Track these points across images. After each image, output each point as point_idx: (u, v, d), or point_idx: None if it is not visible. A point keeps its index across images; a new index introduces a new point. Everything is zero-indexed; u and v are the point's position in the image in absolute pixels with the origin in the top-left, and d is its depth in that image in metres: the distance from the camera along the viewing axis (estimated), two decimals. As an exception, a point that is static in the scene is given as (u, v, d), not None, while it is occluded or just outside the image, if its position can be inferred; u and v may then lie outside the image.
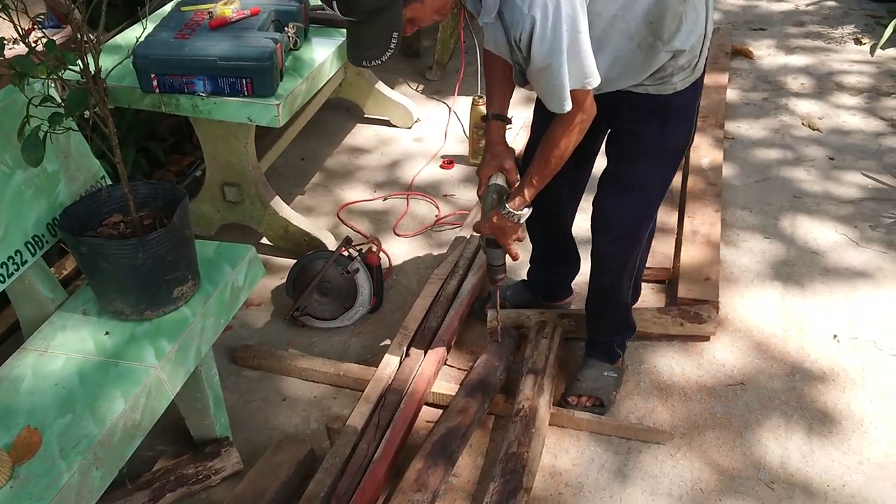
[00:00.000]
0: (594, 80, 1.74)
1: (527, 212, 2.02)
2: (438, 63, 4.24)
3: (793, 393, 2.35)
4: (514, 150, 2.13)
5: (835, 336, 2.55)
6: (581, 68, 1.70)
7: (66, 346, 1.79)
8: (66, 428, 1.58)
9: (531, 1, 1.61)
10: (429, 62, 4.27)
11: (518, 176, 2.09)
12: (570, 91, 1.73)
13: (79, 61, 1.63)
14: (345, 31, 1.84)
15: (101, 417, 1.60)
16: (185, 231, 1.83)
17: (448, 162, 3.52)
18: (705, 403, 2.32)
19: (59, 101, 1.71)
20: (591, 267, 2.26)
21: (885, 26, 4.50)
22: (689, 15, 1.80)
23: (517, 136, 3.56)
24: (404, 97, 3.85)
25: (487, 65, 2.06)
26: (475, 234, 2.16)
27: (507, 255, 2.15)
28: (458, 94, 3.92)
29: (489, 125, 2.09)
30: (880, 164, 3.44)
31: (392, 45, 1.68)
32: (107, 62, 1.75)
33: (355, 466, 2.01)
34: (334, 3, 1.61)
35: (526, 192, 1.98)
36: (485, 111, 2.14)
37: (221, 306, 1.95)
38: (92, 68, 1.65)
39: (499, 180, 2.10)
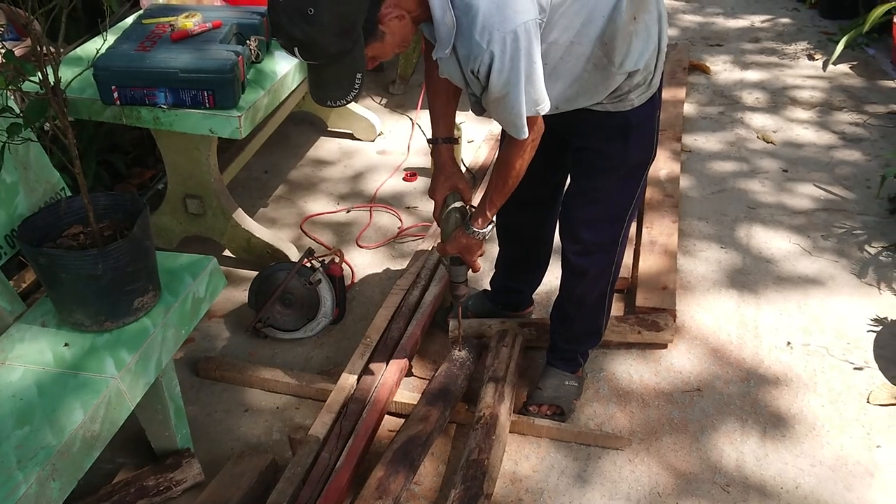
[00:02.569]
0: (545, 106, 1.77)
1: (491, 228, 2.06)
2: (401, 77, 4.28)
3: (748, 398, 2.40)
4: (461, 169, 2.17)
5: (788, 343, 2.61)
6: (533, 95, 1.73)
7: (24, 357, 1.78)
8: (24, 439, 1.58)
9: (490, 36, 1.62)
10: (392, 76, 4.31)
11: (470, 194, 2.14)
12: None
13: (38, 73, 1.63)
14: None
15: (60, 428, 1.60)
16: (145, 242, 1.83)
17: (411, 174, 3.55)
18: (663, 409, 2.37)
19: (18, 112, 1.71)
20: (563, 274, 2.28)
21: (837, 43, 4.63)
22: (640, 34, 1.83)
23: (479, 148, 3.61)
24: (367, 110, 3.88)
25: (430, 90, 2.08)
26: (439, 254, 2.18)
27: (469, 270, 2.19)
28: (420, 108, 3.95)
29: (438, 149, 2.12)
30: (832, 176, 3.54)
31: (356, 86, 1.69)
32: (67, 74, 1.76)
33: (317, 475, 2.02)
34: (296, 49, 1.62)
35: (488, 210, 2.02)
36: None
37: (182, 317, 1.95)
38: (52, 80, 1.65)
39: (455, 200, 2.13)
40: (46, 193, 2.04)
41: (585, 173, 2.10)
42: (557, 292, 2.34)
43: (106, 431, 1.69)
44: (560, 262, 2.26)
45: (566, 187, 2.21)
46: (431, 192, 2.16)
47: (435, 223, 3.08)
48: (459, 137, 3.32)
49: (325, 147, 3.82)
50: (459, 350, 2.41)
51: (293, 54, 1.64)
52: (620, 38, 1.80)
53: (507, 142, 1.89)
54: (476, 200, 2.29)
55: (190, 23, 2.49)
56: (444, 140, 2.11)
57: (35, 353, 1.80)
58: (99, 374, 1.73)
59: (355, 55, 1.65)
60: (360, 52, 1.66)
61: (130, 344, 1.81)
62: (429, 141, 2.14)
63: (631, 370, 2.51)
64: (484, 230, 2.06)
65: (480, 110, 1.90)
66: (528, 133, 1.79)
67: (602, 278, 2.22)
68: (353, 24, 1.61)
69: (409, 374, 2.46)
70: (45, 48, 1.64)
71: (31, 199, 1.98)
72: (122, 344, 1.81)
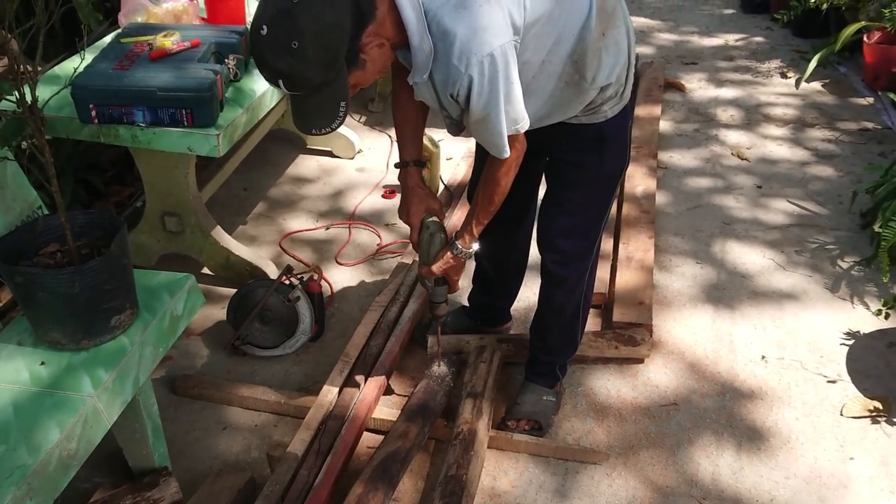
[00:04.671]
0: (524, 124, 1.80)
1: (476, 246, 2.08)
2: (381, 95, 4.30)
3: (723, 412, 2.43)
4: (435, 189, 2.17)
5: (763, 357, 2.64)
6: (512, 115, 1.76)
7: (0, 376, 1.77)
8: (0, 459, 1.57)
9: (468, 61, 1.65)
10: (371, 94, 4.33)
11: (443, 214, 2.15)
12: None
13: (16, 91, 1.63)
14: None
15: (36, 447, 1.59)
16: (123, 260, 1.83)
17: (390, 192, 3.57)
18: (640, 424, 2.39)
19: (-5, 130, 1.71)
20: (542, 284, 2.30)
21: (809, 61, 4.71)
22: (610, 49, 1.87)
23: (458, 165, 3.63)
24: (347, 128, 3.89)
25: (398, 114, 2.09)
26: (425, 276, 2.17)
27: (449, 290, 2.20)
28: (400, 125, 3.97)
29: (408, 172, 2.11)
30: (805, 192, 3.59)
31: (341, 114, 1.71)
32: (45, 92, 1.76)
33: (296, 493, 2.02)
34: (280, 81, 1.63)
35: (474, 229, 2.03)
36: (425, 147, 2.17)
37: (160, 335, 1.95)
38: (29, 99, 1.66)
39: (432, 221, 2.12)
40: (23, 212, 2.03)
41: (561, 184, 2.14)
42: (536, 307, 2.36)
43: (83, 450, 1.68)
44: (535, 276, 2.28)
45: (541, 198, 2.24)
46: (405, 216, 2.14)
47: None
48: (438, 154, 3.35)
49: (305, 164, 3.83)
50: (438, 366, 2.43)
51: (277, 86, 1.65)
52: (591, 54, 1.84)
53: (491, 160, 1.91)
54: (448, 220, 2.29)
55: (168, 41, 2.50)
56: (414, 163, 2.13)
57: (11, 371, 1.78)
58: (75, 393, 1.72)
59: (339, 84, 1.67)
60: (343, 82, 1.68)
61: (107, 362, 1.80)
62: (397, 165, 2.14)
63: (608, 385, 2.53)
64: (470, 249, 2.07)
65: (456, 131, 1.93)
66: (511, 151, 1.82)
67: (579, 286, 2.26)
68: (336, 54, 1.63)
69: (388, 390, 2.47)
70: (22, 67, 1.64)
71: (7, 218, 1.98)
72: (99, 362, 1.80)
